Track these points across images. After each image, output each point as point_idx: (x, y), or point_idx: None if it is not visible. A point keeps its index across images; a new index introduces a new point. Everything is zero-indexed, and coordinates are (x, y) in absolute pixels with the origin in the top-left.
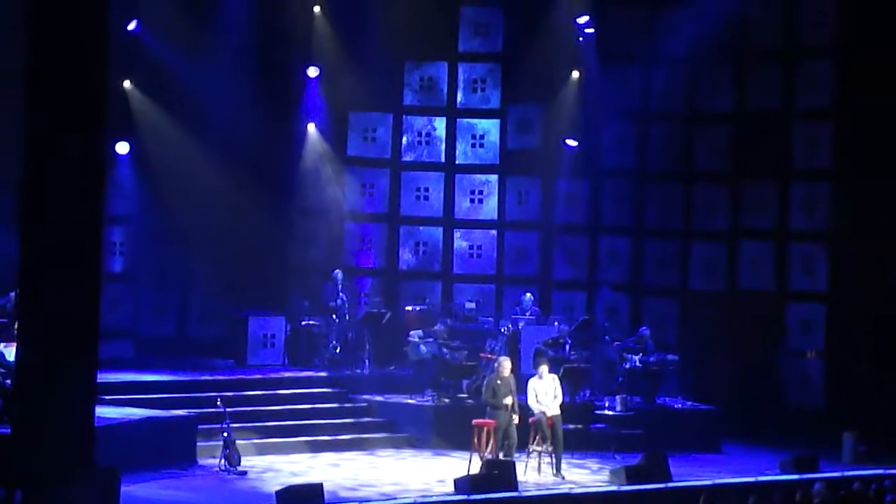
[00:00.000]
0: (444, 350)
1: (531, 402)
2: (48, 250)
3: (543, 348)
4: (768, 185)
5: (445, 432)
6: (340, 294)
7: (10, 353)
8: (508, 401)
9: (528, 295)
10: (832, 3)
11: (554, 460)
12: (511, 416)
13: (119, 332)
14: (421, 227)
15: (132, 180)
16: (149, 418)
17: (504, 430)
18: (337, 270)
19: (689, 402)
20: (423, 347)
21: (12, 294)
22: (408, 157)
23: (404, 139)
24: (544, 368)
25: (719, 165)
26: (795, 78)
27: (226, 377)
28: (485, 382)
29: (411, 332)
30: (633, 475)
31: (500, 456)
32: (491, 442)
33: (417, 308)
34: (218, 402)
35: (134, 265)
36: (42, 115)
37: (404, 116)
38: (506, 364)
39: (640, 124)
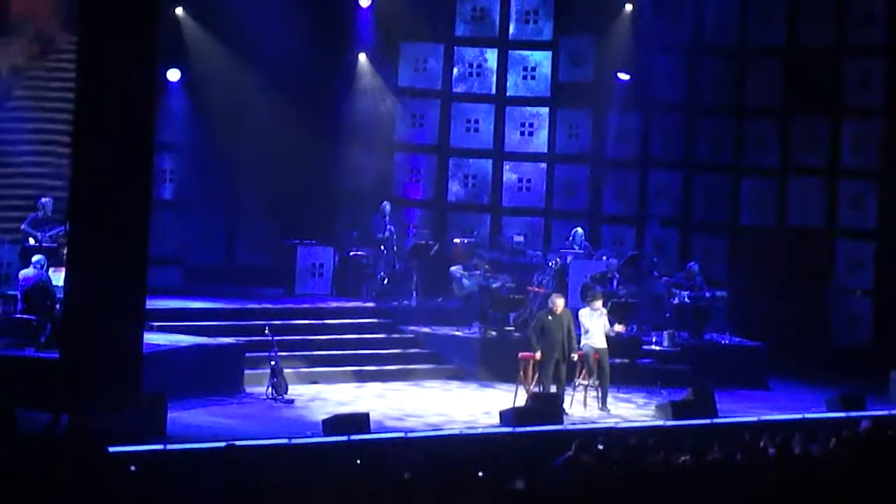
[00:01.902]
0: (491, 280)
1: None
2: (98, 176)
3: (591, 283)
4: (820, 122)
5: (492, 365)
6: (388, 226)
7: (60, 278)
8: (558, 345)
9: (579, 229)
10: None
11: (600, 394)
12: (562, 355)
13: (168, 260)
14: (470, 160)
15: (183, 108)
16: (197, 345)
17: (553, 368)
18: (385, 202)
19: (737, 339)
20: (465, 281)
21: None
22: (458, 89)
23: (455, 70)
24: (598, 303)
25: (771, 101)
26: (848, 14)
27: (274, 306)
28: (535, 318)
29: (452, 269)
30: (679, 410)
31: (548, 389)
32: (537, 375)
33: (465, 241)
34: (266, 331)
35: (183, 193)
36: (94, 39)
37: (456, 47)
38: (559, 301)
39: (693, 59)
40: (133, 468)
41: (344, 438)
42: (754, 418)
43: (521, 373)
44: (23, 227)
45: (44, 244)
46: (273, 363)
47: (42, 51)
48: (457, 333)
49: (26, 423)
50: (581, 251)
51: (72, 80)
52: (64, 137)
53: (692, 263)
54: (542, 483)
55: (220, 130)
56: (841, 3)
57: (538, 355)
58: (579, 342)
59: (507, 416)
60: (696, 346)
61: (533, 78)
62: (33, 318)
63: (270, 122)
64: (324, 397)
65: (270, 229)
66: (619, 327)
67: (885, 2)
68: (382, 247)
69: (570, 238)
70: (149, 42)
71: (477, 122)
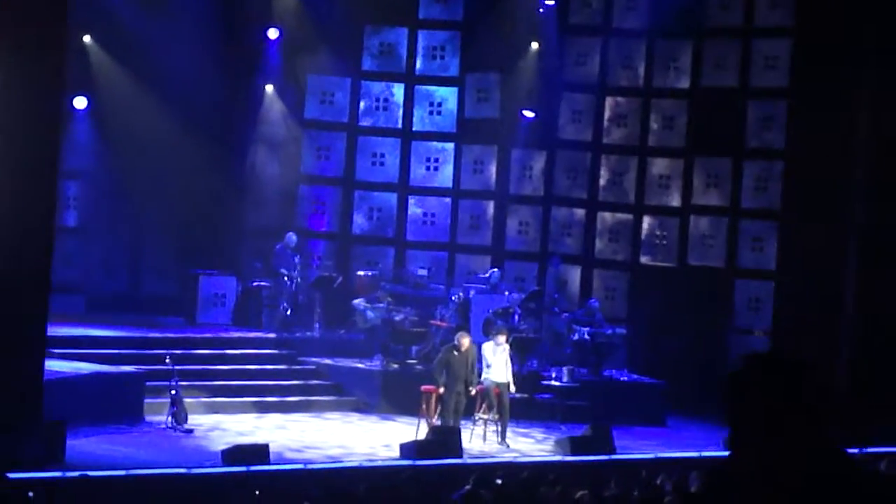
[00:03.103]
0: (394, 312)
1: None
2: (2, 201)
3: (493, 317)
4: (723, 163)
5: (393, 397)
6: (293, 256)
7: None
8: (461, 381)
9: (496, 270)
10: None
11: (500, 428)
12: (463, 389)
13: (71, 287)
14: (375, 193)
15: (88, 136)
16: (97, 373)
17: (454, 402)
18: (291, 233)
19: (636, 376)
20: (369, 314)
21: None
22: (365, 122)
23: (362, 104)
24: (502, 337)
25: (674, 141)
26: (751, 57)
27: (175, 335)
28: (440, 353)
29: (355, 301)
30: (577, 446)
31: (449, 422)
32: (439, 408)
33: (369, 273)
34: (167, 360)
35: (88, 220)
36: (1, 65)
37: (363, 81)
38: (465, 340)
39: (597, 97)
40: (31, 495)
41: (243, 469)
42: (652, 455)
43: (424, 406)
44: None
45: None
46: (173, 392)
47: None
48: (359, 365)
49: None
50: (491, 289)
51: None
52: None
53: (593, 300)
54: None
55: (126, 158)
56: (747, 46)
57: (441, 389)
58: (480, 376)
59: (408, 449)
60: (596, 382)
61: (439, 113)
62: None
63: (176, 151)
64: (224, 427)
65: (174, 258)
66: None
67: (789, 47)
68: (286, 278)
69: (487, 277)
70: (56, 69)
71: (383, 155)
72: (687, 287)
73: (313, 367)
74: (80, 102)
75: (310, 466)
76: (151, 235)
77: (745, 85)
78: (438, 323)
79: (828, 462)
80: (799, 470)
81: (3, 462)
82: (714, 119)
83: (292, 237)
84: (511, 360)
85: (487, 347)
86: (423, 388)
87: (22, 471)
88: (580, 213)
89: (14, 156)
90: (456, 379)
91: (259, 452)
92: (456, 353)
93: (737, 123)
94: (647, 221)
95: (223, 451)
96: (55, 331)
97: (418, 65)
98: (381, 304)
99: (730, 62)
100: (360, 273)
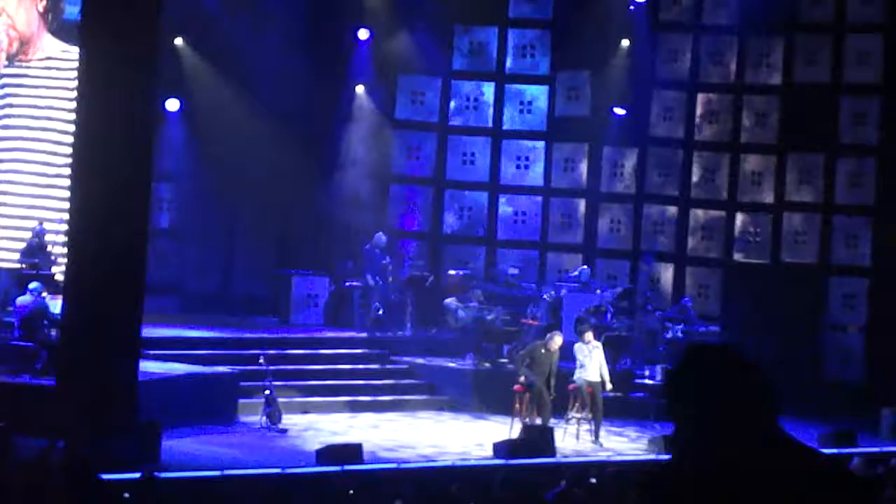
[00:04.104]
0: (485, 312)
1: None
2: (97, 204)
3: (585, 316)
4: (816, 159)
5: (485, 396)
6: (384, 256)
7: (56, 305)
8: (542, 378)
9: (586, 267)
10: None
11: (593, 427)
12: (544, 387)
13: (165, 288)
14: (466, 192)
15: (181, 138)
16: (192, 374)
17: (539, 395)
18: (380, 233)
19: None
20: (461, 313)
21: (40, 227)
22: (455, 122)
23: (452, 103)
24: (589, 335)
25: (766, 137)
26: (844, 53)
27: (269, 335)
28: (527, 347)
29: (447, 300)
30: (671, 444)
31: (538, 421)
32: (533, 408)
33: (460, 273)
34: (260, 360)
35: (181, 222)
36: (94, 68)
37: (453, 81)
38: (557, 339)
39: (688, 94)
40: (126, 496)
41: (337, 469)
42: None
43: (517, 405)
44: (19, 254)
45: (41, 271)
46: (268, 392)
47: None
48: (451, 365)
49: (22, 450)
50: (581, 286)
51: (72, 110)
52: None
53: (685, 298)
54: None
55: (218, 160)
56: (838, 42)
57: (522, 378)
58: (573, 375)
59: (501, 448)
60: None
61: (529, 112)
62: (30, 344)
63: (268, 152)
64: (318, 427)
65: (266, 259)
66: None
67: (882, 42)
68: (378, 277)
69: (577, 275)
70: (149, 71)
71: (473, 154)
72: (780, 284)
73: (406, 366)
74: (172, 105)
75: (403, 466)
76: (244, 236)
77: (838, 80)
78: (530, 322)
79: (778, 458)
80: (745, 468)
81: (99, 463)
82: (806, 115)
83: (381, 237)
84: (605, 357)
85: (578, 347)
86: (516, 387)
87: (117, 472)
88: (672, 210)
89: (108, 159)
90: (538, 375)
91: (353, 452)
92: (543, 350)
93: (829, 119)
94: (739, 218)
95: (317, 451)
96: (150, 332)
97: (508, 63)
98: (473, 304)
99: (822, 58)
100: (452, 272)
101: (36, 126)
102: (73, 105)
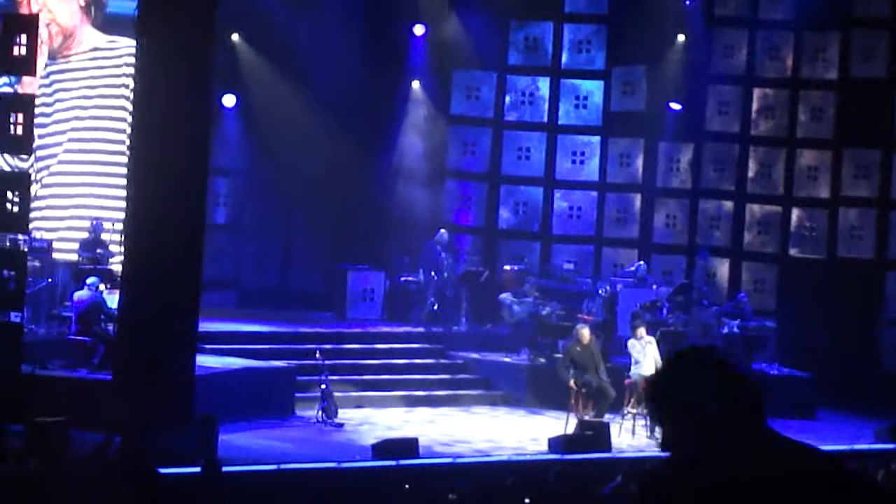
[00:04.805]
0: (541, 307)
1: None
2: (154, 199)
3: (640, 311)
4: (872, 154)
5: (540, 391)
6: (440, 253)
7: (114, 300)
8: (590, 372)
9: (642, 263)
10: None
11: (649, 422)
12: (596, 381)
13: (222, 283)
14: (521, 187)
15: (237, 133)
16: (248, 368)
17: (596, 389)
18: (443, 231)
19: (786, 369)
20: (516, 308)
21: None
22: (510, 117)
23: (507, 98)
24: (642, 331)
25: (822, 132)
26: None
27: (325, 330)
28: (563, 352)
29: (502, 296)
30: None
31: (600, 414)
32: (589, 403)
33: (515, 268)
34: (317, 355)
35: (237, 217)
36: (151, 67)
37: (508, 76)
38: (584, 332)
39: (744, 89)
40: (183, 490)
41: (393, 463)
42: None
43: (572, 400)
44: (77, 249)
45: (99, 266)
46: (323, 387)
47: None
48: (506, 360)
49: (79, 444)
50: (650, 285)
51: (119, 97)
52: (121, 159)
53: (741, 293)
54: None
55: (274, 155)
56: (894, 37)
57: (572, 383)
58: (629, 371)
59: (556, 443)
60: None
61: (585, 107)
62: (87, 339)
63: (324, 148)
64: (373, 422)
65: (322, 254)
66: None
67: None
68: (433, 273)
69: (633, 271)
70: (205, 66)
71: (528, 150)
72: (836, 279)
73: (461, 361)
74: (228, 100)
75: (459, 460)
76: (300, 231)
77: (894, 76)
78: (585, 317)
79: (776, 458)
80: (742, 468)
81: (156, 457)
82: (863, 110)
83: (444, 235)
84: (659, 352)
85: (631, 344)
86: (571, 382)
87: (174, 466)
88: (728, 205)
89: (165, 154)
90: (584, 371)
91: (409, 446)
92: (578, 348)
93: (886, 114)
94: (795, 213)
95: (373, 446)
96: (206, 326)
97: (564, 58)
98: (528, 299)
99: (878, 53)
100: (507, 267)
101: (86, 116)
102: (121, 94)
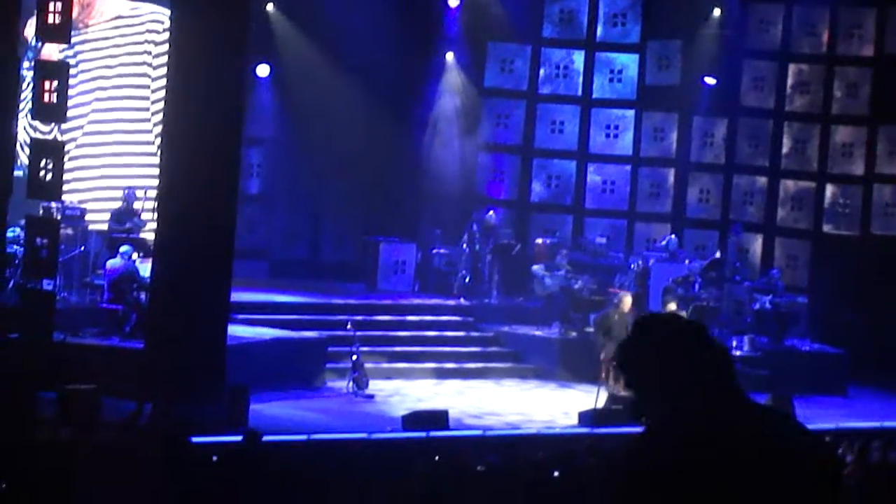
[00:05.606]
0: (572, 280)
1: None
2: (187, 168)
3: (673, 286)
4: None
5: (571, 365)
6: (473, 225)
7: (146, 269)
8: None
9: (673, 236)
10: None
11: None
12: None
13: (254, 253)
14: (554, 161)
15: (271, 103)
16: (280, 339)
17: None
18: (492, 212)
19: (817, 345)
20: (548, 280)
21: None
22: (544, 90)
23: (542, 71)
24: (672, 306)
25: (857, 109)
26: None
27: (356, 301)
28: (601, 315)
29: (534, 268)
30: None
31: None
32: (620, 377)
33: (547, 241)
34: (348, 326)
35: (270, 187)
36: (186, 37)
37: (542, 49)
38: (627, 300)
39: (780, 64)
40: (215, 458)
41: (423, 434)
42: (833, 425)
43: (603, 374)
44: (109, 218)
45: (132, 235)
46: (354, 358)
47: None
48: (537, 333)
49: (110, 412)
50: (670, 256)
51: (142, 64)
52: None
53: (774, 269)
54: None
55: (308, 126)
56: None
57: (603, 354)
58: None
59: (586, 417)
60: (777, 351)
61: (619, 80)
62: (119, 307)
63: (357, 119)
64: (404, 393)
65: (354, 225)
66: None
67: None
68: (465, 245)
69: (665, 245)
70: (239, 36)
71: (562, 123)
72: (870, 256)
73: (492, 333)
74: (262, 70)
75: (488, 433)
76: (332, 202)
77: None
78: (617, 291)
79: (750, 422)
80: (717, 431)
81: (187, 426)
82: None
83: (492, 217)
84: None
85: None
86: (602, 356)
87: (205, 434)
88: (762, 180)
89: (199, 123)
90: (616, 342)
91: (439, 418)
92: (617, 316)
93: None
94: (829, 190)
95: (403, 417)
96: (238, 296)
97: (599, 32)
98: (560, 272)
99: None
100: (539, 241)
101: (108, 86)
102: (143, 61)
